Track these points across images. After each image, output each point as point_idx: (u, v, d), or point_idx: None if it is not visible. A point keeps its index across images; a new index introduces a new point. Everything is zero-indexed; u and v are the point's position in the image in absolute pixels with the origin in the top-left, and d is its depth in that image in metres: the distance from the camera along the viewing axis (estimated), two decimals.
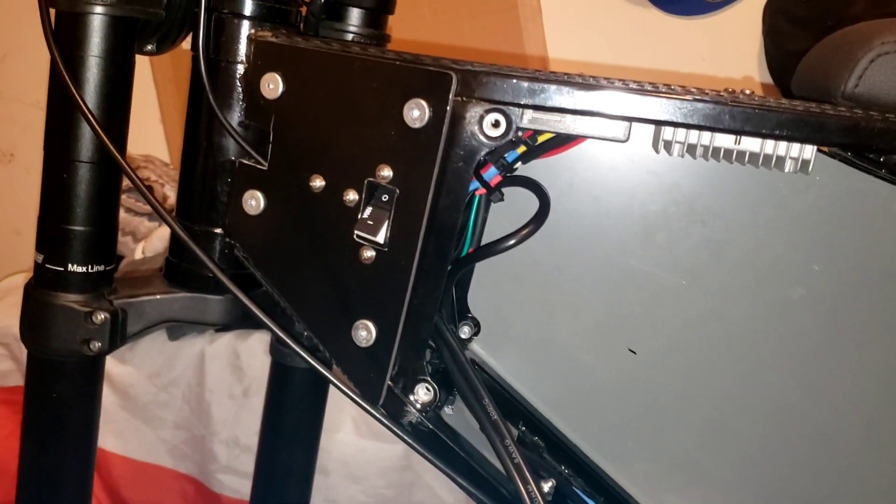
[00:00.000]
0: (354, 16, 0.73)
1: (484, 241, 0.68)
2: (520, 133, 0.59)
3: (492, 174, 0.63)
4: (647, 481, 0.76)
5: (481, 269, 0.76)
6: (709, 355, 0.73)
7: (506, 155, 0.63)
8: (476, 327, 0.76)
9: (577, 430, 0.77)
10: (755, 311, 0.71)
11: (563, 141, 0.64)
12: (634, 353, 0.74)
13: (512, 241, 0.64)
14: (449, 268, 0.62)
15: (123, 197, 1.46)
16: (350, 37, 0.73)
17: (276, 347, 0.79)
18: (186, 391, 1.14)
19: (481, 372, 0.76)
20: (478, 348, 0.77)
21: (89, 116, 0.61)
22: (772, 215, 0.69)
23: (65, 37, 0.62)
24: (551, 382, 0.76)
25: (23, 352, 1.20)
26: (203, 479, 1.16)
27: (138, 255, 1.25)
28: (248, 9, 0.65)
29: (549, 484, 0.71)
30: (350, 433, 1.08)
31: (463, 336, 0.75)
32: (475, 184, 0.62)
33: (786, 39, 1.55)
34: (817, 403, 0.72)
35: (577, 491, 0.75)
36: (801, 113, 0.54)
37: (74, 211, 0.64)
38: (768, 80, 1.62)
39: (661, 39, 1.66)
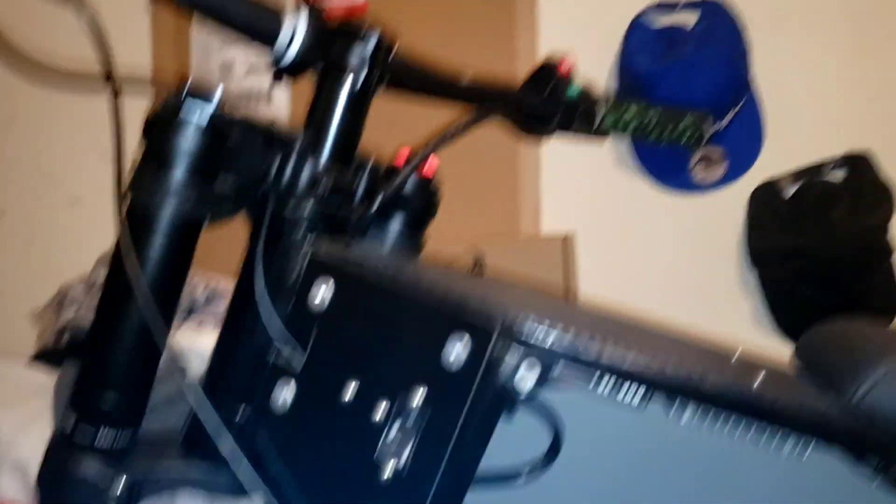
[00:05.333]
0: (400, 220, 0.79)
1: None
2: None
3: None
4: None
5: None
6: None
7: None
8: None
9: None
10: None
11: None
12: None
13: (522, 476, 0.68)
14: None
15: None
16: (392, 239, 0.78)
17: None
18: None
19: None
20: None
21: (147, 295, 0.64)
22: (758, 483, 0.73)
23: (134, 228, 0.66)
24: None
25: None
26: None
27: None
28: (308, 216, 0.69)
29: None
30: None
31: None
32: None
33: (767, 232, 1.64)
34: None
35: None
36: (810, 411, 0.60)
37: (113, 376, 0.68)
38: (733, 272, 1.71)
39: (650, 210, 1.75)
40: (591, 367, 0.63)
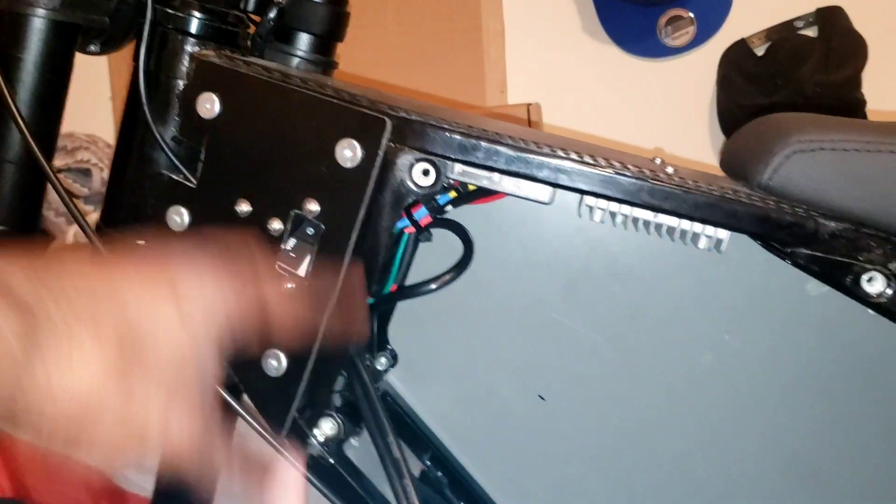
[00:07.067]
0: (303, 41, 0.73)
1: (412, 277, 0.69)
2: (450, 182, 0.60)
3: (422, 214, 0.64)
4: None
5: (407, 301, 0.76)
6: (615, 410, 0.74)
7: (438, 197, 0.64)
8: (393, 360, 0.77)
9: (481, 469, 0.78)
10: (664, 373, 0.73)
11: (493, 191, 0.65)
12: (543, 399, 0.75)
13: (433, 286, 0.65)
14: (371, 302, 0.64)
15: (62, 176, 1.44)
16: (296, 62, 0.73)
17: None
18: None
19: (395, 404, 0.77)
20: (394, 380, 0.78)
21: (19, 120, 0.60)
22: (688, 282, 0.71)
23: (2, 35, 0.61)
24: (462, 420, 0.77)
25: None
26: (111, 472, 1.15)
27: (70, 239, 1.23)
28: (193, 27, 0.65)
29: None
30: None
31: (379, 367, 0.76)
32: (405, 222, 0.63)
33: (736, 92, 1.59)
34: (717, 470, 0.74)
35: None
36: (715, 198, 0.56)
37: None
38: (704, 137, 1.66)
39: (617, 77, 1.69)
40: (484, 168, 0.59)
